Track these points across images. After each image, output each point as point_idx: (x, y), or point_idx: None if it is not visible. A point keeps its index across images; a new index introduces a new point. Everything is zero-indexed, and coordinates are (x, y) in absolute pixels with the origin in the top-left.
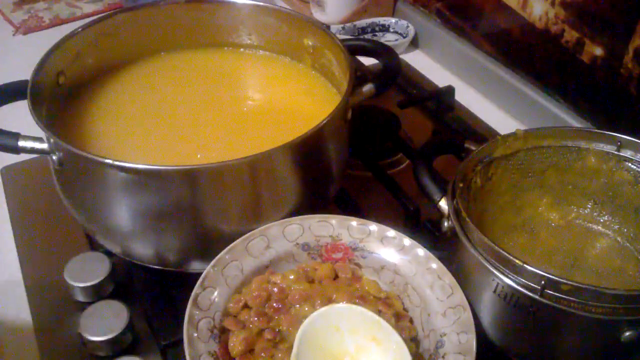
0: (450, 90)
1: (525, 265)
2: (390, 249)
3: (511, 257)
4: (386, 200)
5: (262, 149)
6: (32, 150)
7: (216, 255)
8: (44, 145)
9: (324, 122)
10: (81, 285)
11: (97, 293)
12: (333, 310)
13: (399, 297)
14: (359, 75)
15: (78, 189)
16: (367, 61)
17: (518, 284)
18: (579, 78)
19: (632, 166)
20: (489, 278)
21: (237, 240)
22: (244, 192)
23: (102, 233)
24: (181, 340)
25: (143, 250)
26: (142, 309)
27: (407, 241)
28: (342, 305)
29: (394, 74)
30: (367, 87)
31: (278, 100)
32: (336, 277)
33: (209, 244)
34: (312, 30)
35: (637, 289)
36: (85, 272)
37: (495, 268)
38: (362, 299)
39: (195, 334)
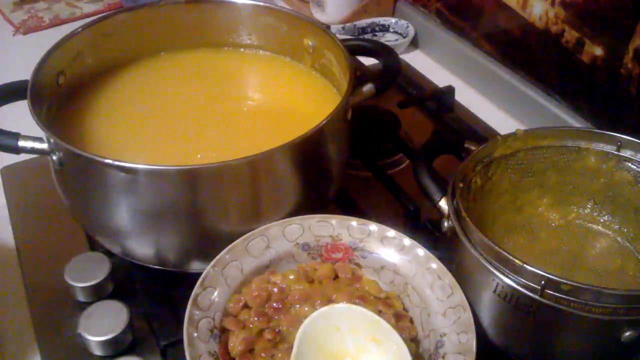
0: (450, 90)
1: (525, 265)
2: (390, 249)
3: (511, 257)
4: (386, 200)
5: (262, 149)
6: (32, 150)
7: (216, 255)
8: (44, 145)
9: (324, 122)
10: (81, 285)
11: (97, 293)
12: (333, 310)
13: (399, 297)
14: (359, 75)
15: (78, 189)
16: (367, 61)
17: (518, 284)
18: (579, 78)
19: (632, 166)
20: (489, 278)
21: (237, 240)
22: (244, 192)
23: (102, 233)
24: (181, 340)
25: (143, 250)
26: (142, 309)
27: (407, 241)
28: (342, 305)
29: (394, 74)
30: (367, 87)
31: (278, 100)
32: (336, 277)
33: (209, 244)
34: (312, 30)
35: (637, 289)
36: (85, 272)
37: (495, 268)
38: (362, 299)
39: (195, 334)
